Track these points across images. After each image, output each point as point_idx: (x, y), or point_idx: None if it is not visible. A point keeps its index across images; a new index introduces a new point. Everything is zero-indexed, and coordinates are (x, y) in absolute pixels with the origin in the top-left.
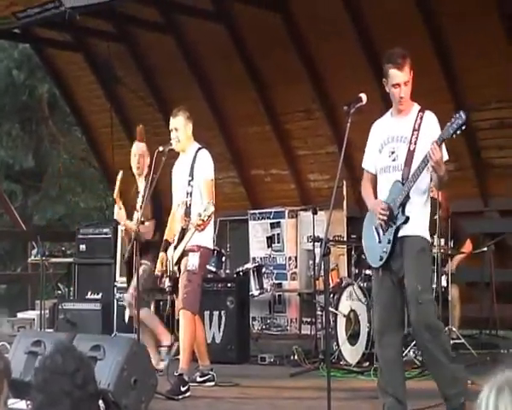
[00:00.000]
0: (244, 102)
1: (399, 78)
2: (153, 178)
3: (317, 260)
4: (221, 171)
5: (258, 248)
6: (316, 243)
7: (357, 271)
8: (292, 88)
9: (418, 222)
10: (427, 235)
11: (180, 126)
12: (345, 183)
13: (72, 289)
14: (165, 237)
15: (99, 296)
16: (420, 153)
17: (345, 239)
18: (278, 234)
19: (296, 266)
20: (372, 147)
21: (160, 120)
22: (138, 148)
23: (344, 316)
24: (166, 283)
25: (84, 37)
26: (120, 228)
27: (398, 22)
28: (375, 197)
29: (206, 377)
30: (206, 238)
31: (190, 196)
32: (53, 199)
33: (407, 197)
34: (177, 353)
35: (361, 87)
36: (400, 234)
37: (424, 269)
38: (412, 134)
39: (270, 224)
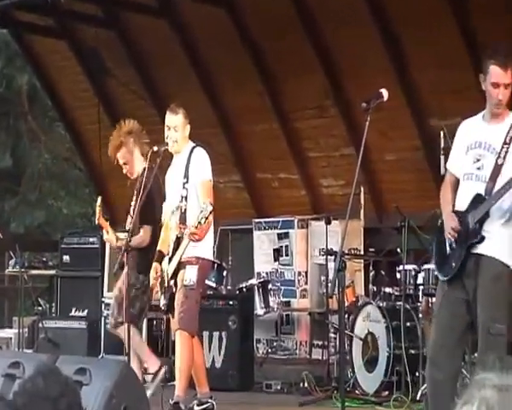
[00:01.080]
0: (248, 95)
1: (501, 78)
2: (146, 181)
3: (331, 275)
4: (222, 174)
5: (263, 262)
6: (329, 257)
7: (375, 288)
8: (303, 80)
9: (497, 243)
10: (506, 259)
11: (180, 126)
12: (362, 189)
13: (54, 304)
14: (158, 248)
15: (84, 313)
16: (508, 170)
17: (362, 253)
18: (286, 246)
19: (306, 283)
20: (458, 148)
21: (155, 116)
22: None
23: (360, 339)
24: (161, 300)
25: (68, 22)
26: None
27: (421, 8)
28: (453, 203)
29: (205, 406)
30: (206, 249)
31: (185, 200)
32: (32, 204)
33: (487, 215)
34: (172, 378)
35: (380, 80)
36: (476, 251)
37: (500, 297)
38: (502, 147)
39: (278, 234)
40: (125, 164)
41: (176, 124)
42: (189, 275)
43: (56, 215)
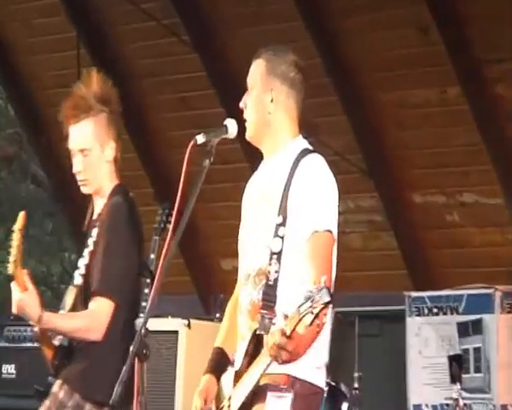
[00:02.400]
0: None
1: None
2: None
3: None
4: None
5: (427, 383)
6: None
7: None
8: None
9: None
10: None
11: (252, 82)
12: None
13: None
14: (216, 343)
15: None
16: None
17: None
18: (477, 350)
19: None
20: None
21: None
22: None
23: None
24: None
25: None
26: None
27: None
28: None
29: None
30: (310, 361)
31: (278, 258)
32: None
33: None
34: None
35: None
36: None
37: None
38: None
39: (459, 325)
40: (84, 154)
41: (252, 82)
42: None
43: None
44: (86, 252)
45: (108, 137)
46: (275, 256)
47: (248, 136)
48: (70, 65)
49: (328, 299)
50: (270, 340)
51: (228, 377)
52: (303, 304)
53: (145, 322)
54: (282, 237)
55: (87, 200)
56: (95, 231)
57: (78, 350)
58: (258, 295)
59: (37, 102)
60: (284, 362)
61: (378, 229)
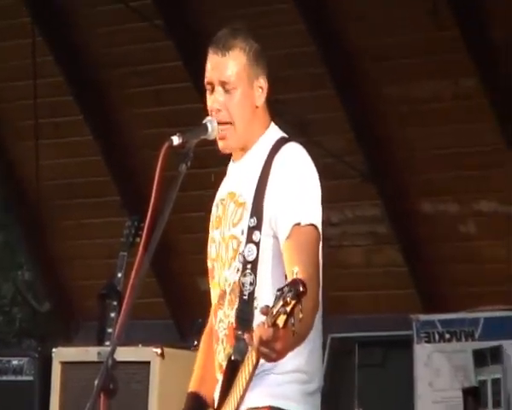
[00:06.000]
0: None
1: None
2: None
3: None
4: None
5: None
6: None
7: None
8: None
9: None
10: None
11: (237, 79)
12: None
13: None
14: (191, 387)
15: None
16: None
17: None
18: (496, 380)
19: None
20: None
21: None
22: None
23: None
24: None
25: None
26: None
27: None
28: None
29: None
30: (298, 386)
31: (252, 268)
32: None
33: None
34: None
35: None
36: None
37: None
38: None
39: (476, 353)
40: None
41: (228, 73)
42: None
43: None
44: None
45: None
46: (249, 266)
47: (230, 146)
48: (24, 55)
49: (300, 290)
50: (259, 333)
51: None
52: (274, 305)
53: (112, 351)
54: (257, 243)
55: (44, 209)
56: None
57: None
58: (232, 313)
59: None
60: (271, 360)
61: (381, 242)
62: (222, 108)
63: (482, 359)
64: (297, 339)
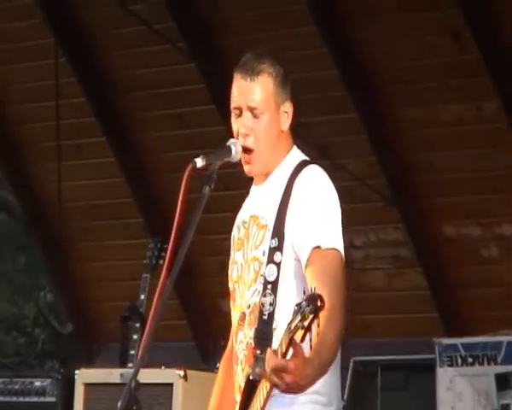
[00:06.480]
0: None
1: None
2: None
3: None
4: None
5: None
6: None
7: None
8: None
9: None
10: None
11: (265, 105)
12: None
13: None
14: (209, 409)
15: None
16: None
17: None
18: None
19: None
20: None
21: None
22: None
23: None
24: None
25: None
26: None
27: None
28: None
29: None
30: (315, 408)
31: (273, 289)
32: None
33: None
34: None
35: None
36: None
37: None
38: None
39: (499, 377)
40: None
41: (255, 98)
42: None
43: None
44: None
45: None
46: (269, 286)
47: (255, 171)
48: (47, 76)
49: (318, 305)
50: (267, 363)
51: None
52: (292, 320)
53: (135, 373)
54: (278, 264)
55: (67, 231)
56: None
57: None
58: (251, 334)
59: (7, 119)
60: (289, 389)
61: (404, 266)
62: (250, 133)
63: (505, 382)
64: (320, 369)
